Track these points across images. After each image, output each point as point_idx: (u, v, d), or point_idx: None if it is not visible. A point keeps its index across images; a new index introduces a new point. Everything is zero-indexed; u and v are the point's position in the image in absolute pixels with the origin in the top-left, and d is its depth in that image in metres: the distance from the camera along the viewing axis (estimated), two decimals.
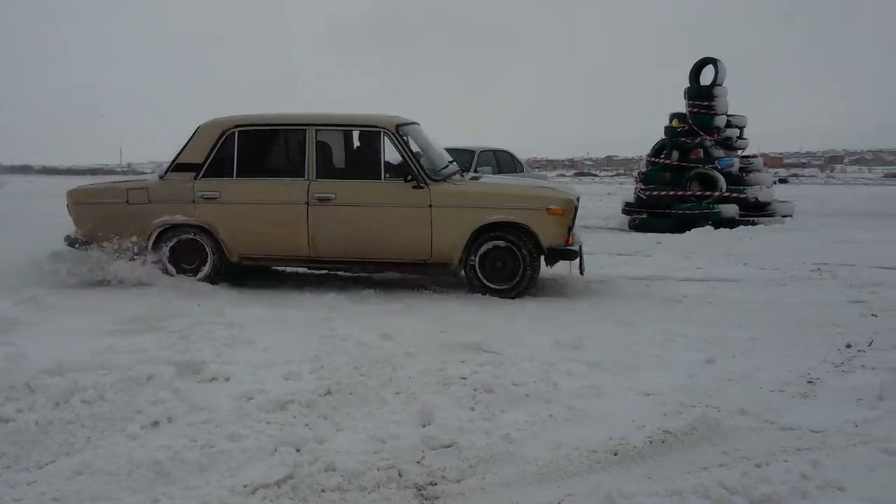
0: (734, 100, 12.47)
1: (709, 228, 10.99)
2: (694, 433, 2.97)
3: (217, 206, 6.13)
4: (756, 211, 11.93)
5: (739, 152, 12.54)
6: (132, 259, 6.13)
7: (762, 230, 11.07)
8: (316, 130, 6.11)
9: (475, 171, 11.57)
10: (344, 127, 6.35)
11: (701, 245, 9.55)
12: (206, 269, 6.23)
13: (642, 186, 12.39)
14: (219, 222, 6.14)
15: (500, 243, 5.92)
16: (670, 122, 12.58)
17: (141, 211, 6.22)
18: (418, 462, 2.73)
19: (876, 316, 5.29)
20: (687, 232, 10.84)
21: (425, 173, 5.97)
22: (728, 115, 12.46)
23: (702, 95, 12.36)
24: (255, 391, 3.39)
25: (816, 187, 30.11)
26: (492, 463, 2.72)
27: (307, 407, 3.18)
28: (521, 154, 12.48)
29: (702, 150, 12.03)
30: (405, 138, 6.13)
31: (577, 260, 6.13)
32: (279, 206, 6.05)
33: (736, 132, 12.59)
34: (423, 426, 3.05)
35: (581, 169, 77.30)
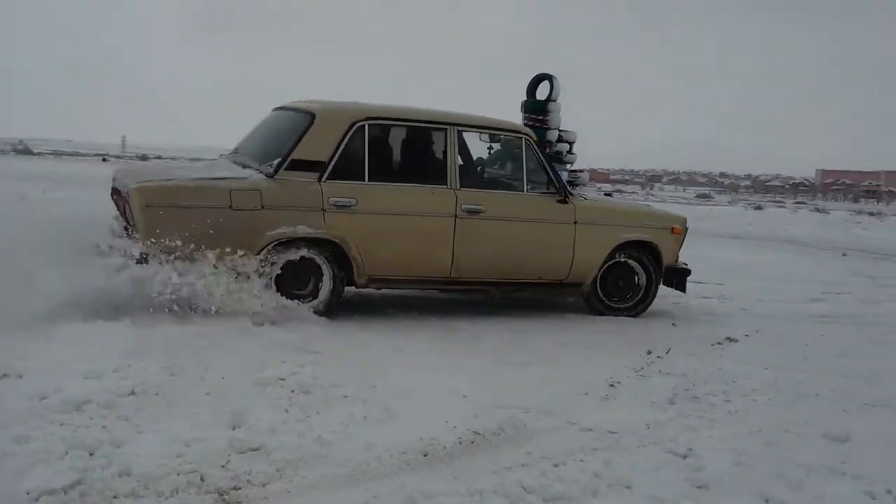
0: (568, 117, 13.10)
1: None
2: (502, 434, 3.09)
3: (352, 217, 4.90)
4: None
5: (568, 166, 13.17)
6: (235, 282, 4.59)
7: None
8: (458, 131, 5.36)
9: None
10: (486, 130, 5.60)
11: None
12: (323, 295, 4.92)
13: None
14: (353, 236, 4.91)
15: (629, 261, 5.87)
16: None
17: (249, 219, 4.69)
18: (223, 466, 2.64)
19: (675, 325, 5.74)
20: None
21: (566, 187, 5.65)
22: (560, 130, 13.08)
23: (537, 110, 12.88)
24: (50, 390, 3.14)
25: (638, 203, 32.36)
26: (301, 466, 2.68)
27: (106, 408, 2.98)
28: None
29: None
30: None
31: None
32: (425, 218, 5.13)
33: (566, 147, 13.23)
34: (233, 429, 2.95)
35: None
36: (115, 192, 5.08)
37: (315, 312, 4.80)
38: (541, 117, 12.79)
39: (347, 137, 4.97)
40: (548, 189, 5.58)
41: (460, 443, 2.96)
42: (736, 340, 5.32)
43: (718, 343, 5.23)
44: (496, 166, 6.06)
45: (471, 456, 2.88)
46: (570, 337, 5.03)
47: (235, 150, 5.65)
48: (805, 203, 53.06)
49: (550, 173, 5.62)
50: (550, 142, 12.88)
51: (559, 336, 5.03)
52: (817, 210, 39.33)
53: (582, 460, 2.86)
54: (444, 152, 5.25)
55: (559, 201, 5.57)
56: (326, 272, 4.93)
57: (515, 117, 13.08)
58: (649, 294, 6.00)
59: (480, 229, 5.26)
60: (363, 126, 5.02)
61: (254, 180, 4.80)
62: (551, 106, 12.85)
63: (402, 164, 5.45)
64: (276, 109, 5.68)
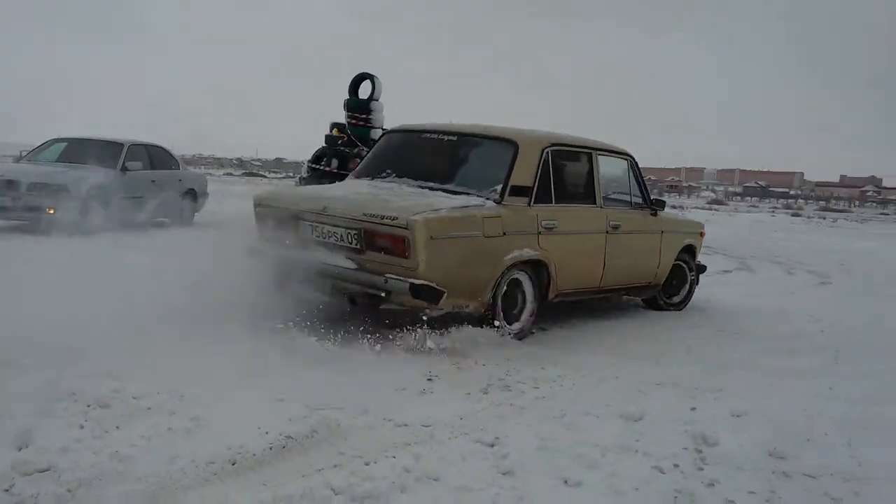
0: (392, 115, 13.21)
1: None
2: (315, 436, 3.06)
3: (555, 238, 5.31)
4: None
5: None
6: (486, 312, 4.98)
7: None
8: (598, 156, 5.89)
9: (125, 165, 10.75)
10: (612, 154, 6.17)
11: None
12: (524, 316, 5.28)
13: None
14: (554, 255, 5.30)
15: (681, 263, 6.88)
16: (330, 130, 12.91)
17: (495, 246, 4.92)
18: (6, 490, 2.42)
19: None
20: None
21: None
22: (383, 129, 13.16)
23: (360, 108, 12.89)
24: None
25: None
26: (95, 485, 2.51)
27: None
28: (186, 151, 11.88)
29: (359, 161, 12.52)
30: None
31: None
32: (591, 235, 5.73)
33: None
34: (19, 449, 2.71)
35: (249, 169, 75.98)
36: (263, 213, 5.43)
37: (516, 337, 5.10)
38: (364, 116, 12.84)
39: (541, 164, 5.34)
40: (645, 204, 6.43)
41: (271, 448, 2.90)
42: (546, 330, 5.60)
43: (532, 332, 5.46)
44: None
45: (282, 461, 2.82)
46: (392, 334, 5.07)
47: (381, 173, 5.68)
48: None
49: (645, 190, 6.49)
50: (374, 140, 12.96)
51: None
52: None
53: (394, 456, 2.89)
54: (592, 174, 5.83)
55: (651, 214, 6.44)
56: (529, 292, 5.26)
57: (338, 116, 13.06)
58: (693, 290, 7.07)
59: (620, 242, 5.94)
60: (549, 152, 5.43)
61: (494, 207, 5.01)
62: (374, 105, 12.92)
63: (570, 187, 5.77)
64: (429, 133, 5.77)
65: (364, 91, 13.21)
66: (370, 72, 13.09)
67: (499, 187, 5.10)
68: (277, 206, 5.40)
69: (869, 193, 76.24)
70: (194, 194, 12.38)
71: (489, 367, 4.40)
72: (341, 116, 13.04)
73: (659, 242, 6.47)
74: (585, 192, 5.82)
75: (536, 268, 5.25)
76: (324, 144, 12.92)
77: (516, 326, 5.14)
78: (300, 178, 13.30)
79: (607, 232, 5.79)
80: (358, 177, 5.91)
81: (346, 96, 13.14)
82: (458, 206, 4.88)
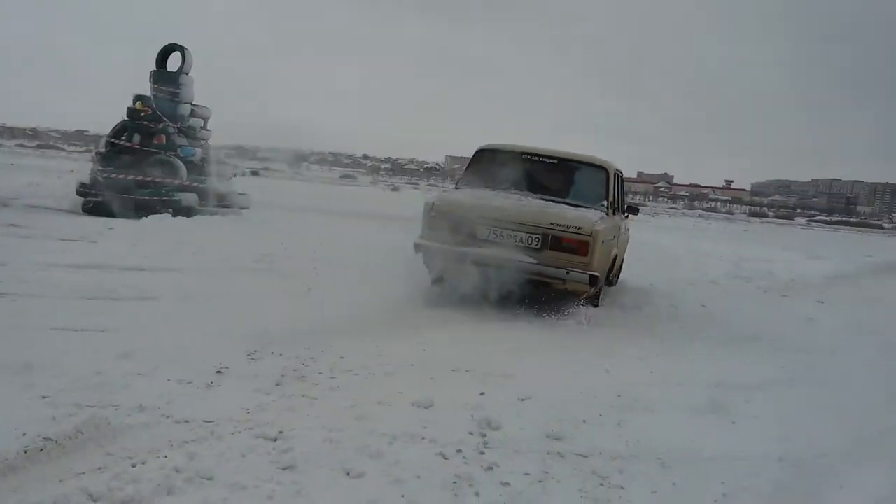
0: (205, 91, 12.59)
1: (167, 216, 10.86)
2: (80, 436, 2.83)
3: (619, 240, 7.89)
4: (216, 201, 12.23)
5: (202, 142, 12.67)
6: None
7: (218, 220, 11.39)
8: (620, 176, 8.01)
9: None
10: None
11: (155, 233, 9.35)
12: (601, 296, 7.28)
13: (100, 168, 11.61)
14: (620, 253, 8.28)
15: None
16: (134, 103, 12.07)
17: (612, 246, 7.08)
18: None
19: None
20: (143, 219, 10.53)
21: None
22: (193, 105, 12.50)
23: (167, 81, 12.15)
24: None
25: (283, 182, 32.40)
26: None
27: None
28: None
29: (165, 137, 11.82)
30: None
31: None
32: (619, 238, 7.75)
33: (200, 122, 12.70)
34: None
35: (46, 141, 69.57)
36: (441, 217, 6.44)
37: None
38: (171, 89, 12.11)
39: (616, 184, 7.35)
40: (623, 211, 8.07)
41: (26, 452, 2.64)
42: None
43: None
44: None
45: (39, 465, 2.58)
46: (180, 321, 4.82)
47: (503, 187, 6.85)
48: (437, 185, 58.09)
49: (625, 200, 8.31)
50: (183, 116, 12.29)
51: (176, 321, 4.79)
52: (445, 191, 43.21)
53: (165, 456, 2.73)
54: (622, 190, 8.04)
55: (625, 218, 8.18)
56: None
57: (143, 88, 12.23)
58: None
59: (621, 242, 7.87)
60: (616, 174, 7.39)
61: (610, 218, 6.88)
62: (183, 78, 12.23)
63: (620, 201, 7.86)
64: (534, 156, 7.14)
65: (173, 64, 12.48)
66: (180, 43, 12.38)
67: (605, 202, 6.85)
68: (454, 211, 6.40)
69: (661, 189, 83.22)
70: None
71: (286, 357, 4.30)
72: (147, 88, 12.25)
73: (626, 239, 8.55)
74: (621, 204, 7.74)
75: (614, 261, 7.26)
76: (125, 118, 12.07)
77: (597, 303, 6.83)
78: (96, 153, 12.30)
79: (620, 234, 7.66)
80: (472, 186, 7.06)
81: (154, 68, 12.36)
82: (602, 218, 6.50)
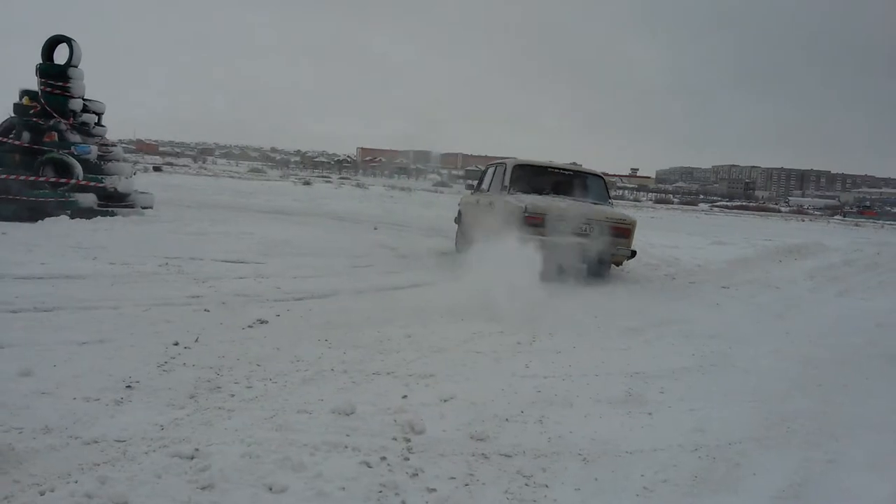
0: (98, 85, 11.98)
1: (64, 218, 10.30)
2: None
3: None
4: (116, 201, 11.68)
5: (97, 139, 12.08)
6: None
7: (119, 221, 10.87)
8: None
9: None
10: None
11: (51, 237, 8.86)
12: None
13: None
14: None
15: None
16: (20, 99, 11.39)
17: None
18: None
19: (208, 311, 5.62)
20: (38, 222, 9.95)
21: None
22: (85, 100, 11.90)
23: (56, 75, 11.51)
24: None
25: (188, 177, 31.37)
26: None
27: None
28: None
29: (56, 134, 11.22)
30: None
31: None
32: None
33: (94, 118, 12.10)
34: None
35: None
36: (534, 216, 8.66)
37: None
38: (61, 84, 11.50)
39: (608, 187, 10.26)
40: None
41: None
42: (266, 322, 5.41)
43: (250, 326, 5.26)
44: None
45: None
46: (89, 333, 4.58)
47: (544, 191, 9.60)
48: (349, 178, 57.49)
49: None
50: (74, 111, 11.69)
51: (76, 334, 4.55)
52: (358, 185, 42.94)
53: (76, 481, 2.58)
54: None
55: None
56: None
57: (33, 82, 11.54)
58: None
59: None
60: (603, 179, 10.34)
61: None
62: (72, 72, 11.62)
63: None
64: (559, 169, 10.12)
65: (61, 57, 11.85)
66: (66, 34, 11.75)
67: (609, 200, 9.91)
68: (543, 212, 8.68)
69: None
70: None
71: (199, 367, 4.15)
72: (33, 83, 11.58)
73: None
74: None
75: None
76: (11, 115, 11.38)
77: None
78: None
79: None
80: (522, 191, 9.43)
81: (39, 60, 11.69)
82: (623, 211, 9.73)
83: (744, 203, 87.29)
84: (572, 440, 3.50)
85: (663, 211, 48.67)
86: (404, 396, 3.91)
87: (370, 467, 3.00)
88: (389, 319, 5.84)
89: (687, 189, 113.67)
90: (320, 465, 2.92)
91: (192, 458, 2.88)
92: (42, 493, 2.48)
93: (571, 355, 5.19)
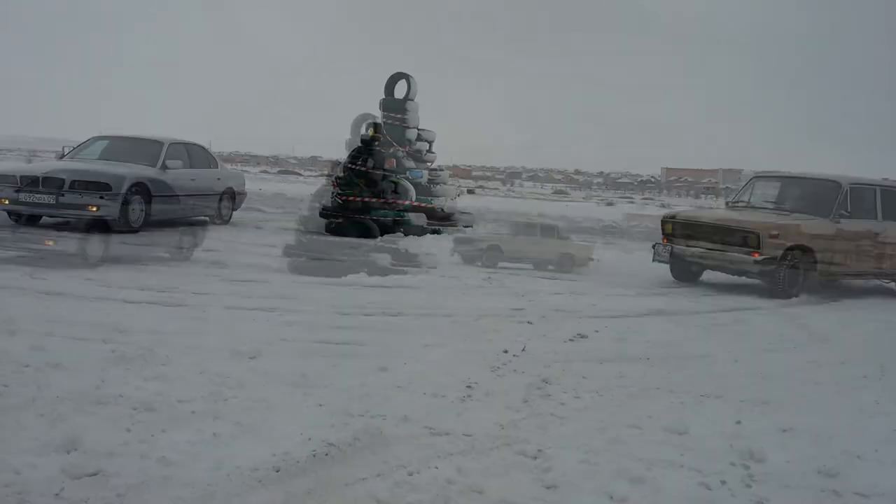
0: (427, 115, 13.26)
1: (398, 235, 11.48)
2: (357, 443, 3.05)
3: None
4: (442, 221, 12.76)
5: (428, 164, 13.32)
6: None
7: (445, 239, 11.83)
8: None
9: (165, 164, 10.80)
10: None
11: (390, 251, 9.92)
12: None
13: (339, 191, 12.58)
14: None
15: None
16: (366, 130, 12.96)
17: None
18: (56, 495, 2.45)
19: (531, 323, 5.90)
20: (377, 239, 11.21)
21: None
22: (419, 129, 13.18)
23: (395, 108, 12.93)
24: None
25: (498, 199, 33.05)
26: (142, 490, 2.53)
27: None
28: (224, 148, 11.99)
29: (395, 160, 12.57)
30: None
31: None
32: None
33: (426, 145, 13.36)
34: (67, 452, 2.75)
35: (286, 167, 76.41)
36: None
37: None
38: (399, 115, 12.88)
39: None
40: None
41: (314, 456, 2.90)
42: (586, 336, 5.53)
43: (570, 339, 5.41)
44: None
45: (325, 469, 2.82)
46: (430, 337, 5.07)
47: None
48: (652, 199, 56.22)
49: None
50: (410, 140, 13.02)
51: (419, 337, 5.06)
52: (662, 206, 41.80)
53: (436, 467, 2.87)
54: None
55: None
56: None
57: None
58: None
59: None
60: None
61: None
62: (409, 105, 12.97)
63: None
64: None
65: (400, 91, 13.29)
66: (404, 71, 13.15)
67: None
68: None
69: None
70: (232, 193, 12.45)
71: (528, 375, 4.36)
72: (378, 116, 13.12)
73: None
74: None
75: None
76: (359, 144, 12.99)
77: None
78: (335, 178, 13.31)
79: None
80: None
81: (383, 96, 13.23)
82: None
83: None
84: None
85: None
86: (738, 422, 3.74)
87: (709, 489, 2.92)
88: (709, 343, 5.64)
89: None
90: (658, 481, 2.92)
91: (535, 458, 3.05)
92: (410, 474, 2.80)
93: None
